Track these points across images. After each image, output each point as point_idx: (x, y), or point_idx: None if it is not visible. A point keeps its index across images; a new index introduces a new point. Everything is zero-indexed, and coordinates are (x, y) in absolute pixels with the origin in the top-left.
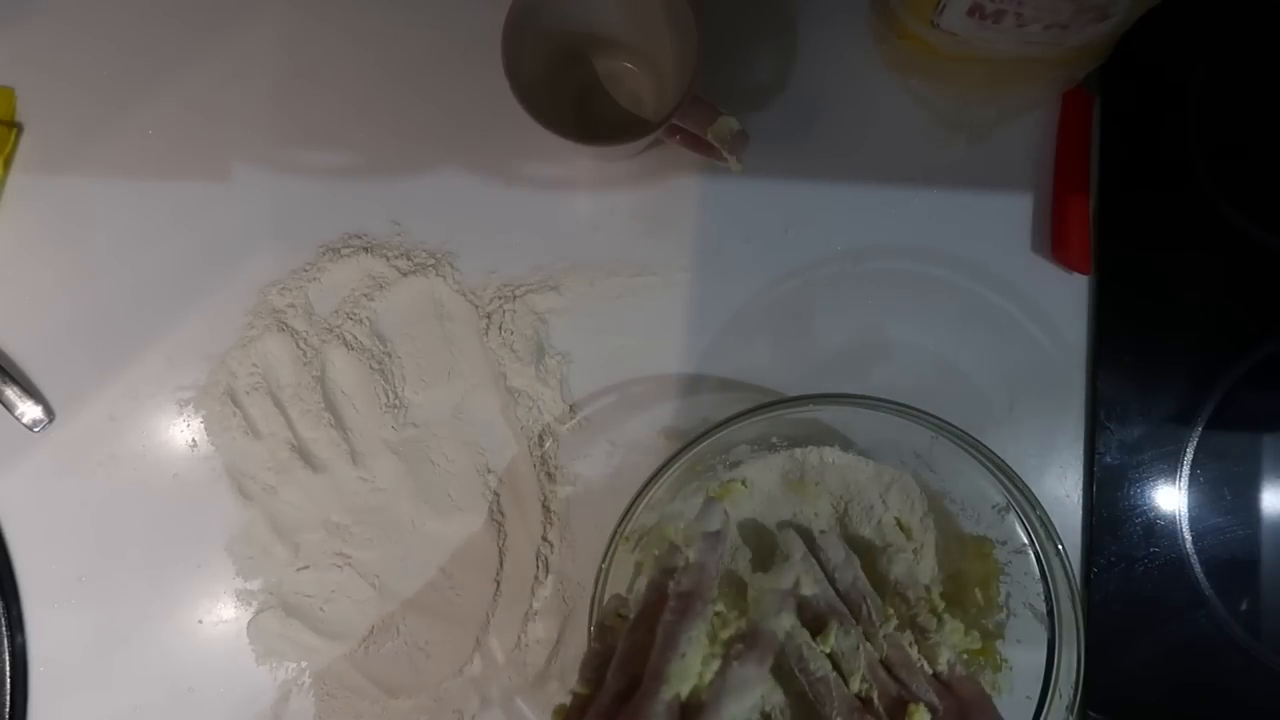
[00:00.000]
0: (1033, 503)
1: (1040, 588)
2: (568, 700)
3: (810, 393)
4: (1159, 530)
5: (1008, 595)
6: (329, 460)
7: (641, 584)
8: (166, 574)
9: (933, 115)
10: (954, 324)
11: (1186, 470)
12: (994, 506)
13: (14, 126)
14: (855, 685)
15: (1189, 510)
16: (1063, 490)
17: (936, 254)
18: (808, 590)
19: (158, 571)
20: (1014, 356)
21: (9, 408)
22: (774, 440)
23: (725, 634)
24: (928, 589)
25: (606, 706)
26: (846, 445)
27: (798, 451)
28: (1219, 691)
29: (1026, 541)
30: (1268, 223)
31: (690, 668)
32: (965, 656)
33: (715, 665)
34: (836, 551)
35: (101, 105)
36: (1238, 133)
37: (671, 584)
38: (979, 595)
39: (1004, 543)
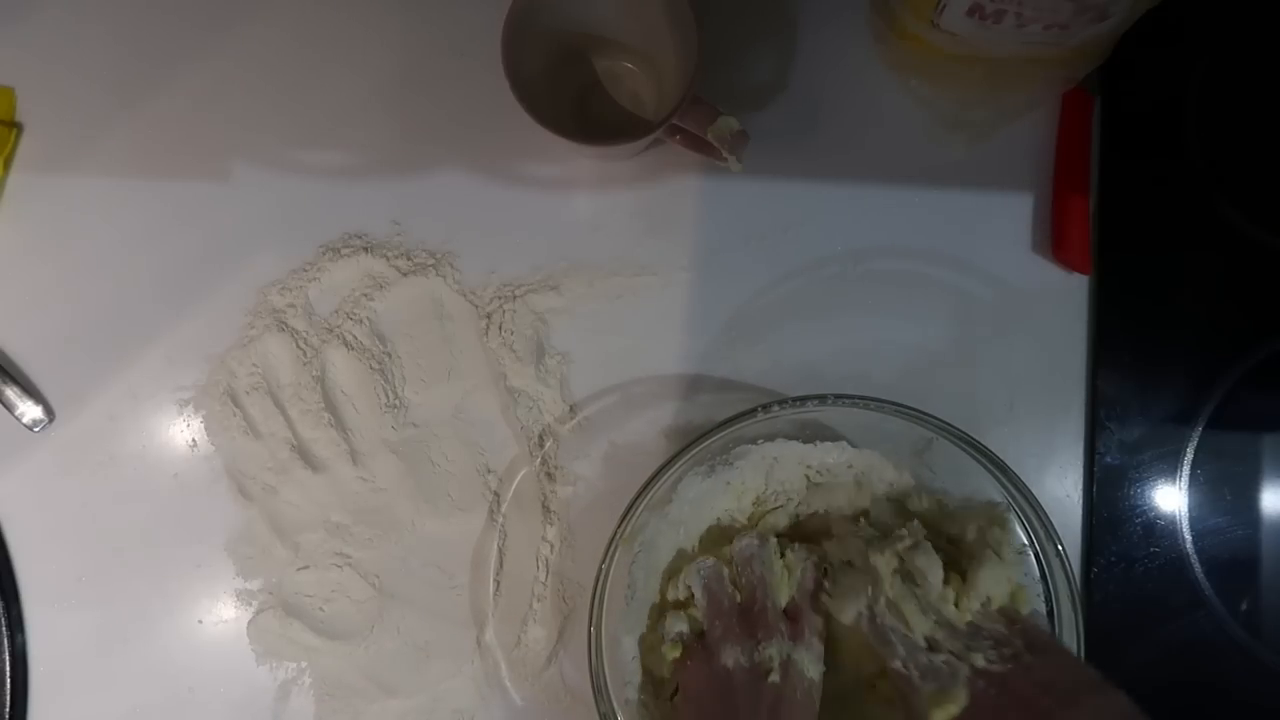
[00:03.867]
0: (1033, 503)
1: (1040, 588)
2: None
3: (810, 393)
4: (1159, 530)
5: None
6: (329, 460)
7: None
8: (166, 574)
9: (933, 115)
10: (954, 324)
11: (1186, 470)
12: None
13: (14, 126)
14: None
15: (1189, 510)
16: (1063, 490)
17: (936, 254)
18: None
19: (158, 571)
20: (1014, 356)
21: (9, 408)
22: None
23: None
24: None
25: (732, 621)
26: None
27: None
28: (1219, 691)
29: (1026, 541)
30: (1268, 223)
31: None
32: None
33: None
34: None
35: (101, 105)
36: (1238, 133)
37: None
38: None
39: None
